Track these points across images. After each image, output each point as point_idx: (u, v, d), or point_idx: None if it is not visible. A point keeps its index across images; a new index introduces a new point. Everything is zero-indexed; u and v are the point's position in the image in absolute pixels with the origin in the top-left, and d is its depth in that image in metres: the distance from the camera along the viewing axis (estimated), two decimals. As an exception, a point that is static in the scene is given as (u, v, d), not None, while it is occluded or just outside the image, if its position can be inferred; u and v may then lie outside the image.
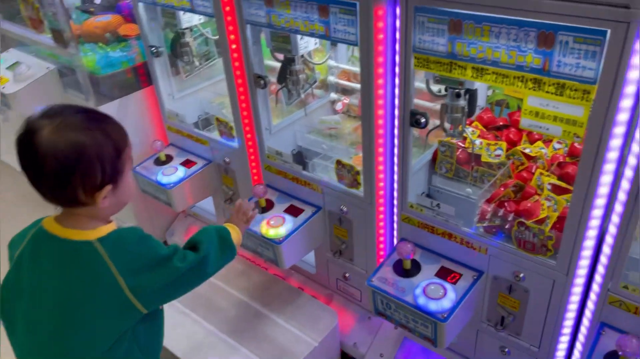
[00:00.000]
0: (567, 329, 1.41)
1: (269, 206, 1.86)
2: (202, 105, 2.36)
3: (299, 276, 2.14)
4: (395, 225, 1.67)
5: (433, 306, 1.39)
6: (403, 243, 1.49)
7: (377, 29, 1.33)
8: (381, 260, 1.76)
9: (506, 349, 1.58)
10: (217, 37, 2.17)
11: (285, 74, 1.75)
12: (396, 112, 1.44)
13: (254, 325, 1.82)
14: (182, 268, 1.05)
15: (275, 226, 1.74)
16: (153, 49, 2.03)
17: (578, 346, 1.41)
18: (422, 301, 1.41)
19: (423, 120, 1.38)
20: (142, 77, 2.21)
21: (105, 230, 1.03)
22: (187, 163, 2.15)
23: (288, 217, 1.78)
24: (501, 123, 1.77)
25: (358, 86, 2.06)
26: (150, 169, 2.13)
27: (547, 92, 1.13)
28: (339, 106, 2.13)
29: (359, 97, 2.07)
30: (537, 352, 1.51)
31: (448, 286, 1.45)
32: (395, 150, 1.51)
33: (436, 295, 1.42)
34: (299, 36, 1.61)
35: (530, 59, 1.11)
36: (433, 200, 1.51)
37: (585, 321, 1.35)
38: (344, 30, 1.39)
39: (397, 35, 1.32)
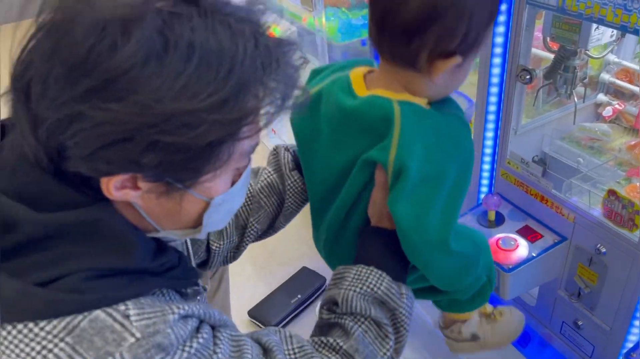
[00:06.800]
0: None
1: (498, 221, 1.59)
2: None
3: (508, 301, 1.84)
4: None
5: None
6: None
7: None
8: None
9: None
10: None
11: (558, 69, 1.42)
12: None
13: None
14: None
15: (506, 249, 1.47)
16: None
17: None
18: None
19: None
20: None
21: (415, 99, 0.84)
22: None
23: (522, 241, 1.49)
24: None
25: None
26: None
27: None
28: (607, 112, 1.71)
29: (642, 106, 1.65)
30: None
31: None
32: None
33: None
34: (594, 26, 1.26)
35: None
36: None
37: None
38: (682, 27, 1.01)
39: None
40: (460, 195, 0.86)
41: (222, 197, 0.66)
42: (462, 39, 0.77)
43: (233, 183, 0.67)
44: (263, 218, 1.08)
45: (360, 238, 0.91)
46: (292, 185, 1.07)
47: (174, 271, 0.67)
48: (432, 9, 0.75)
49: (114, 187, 0.57)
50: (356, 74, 0.88)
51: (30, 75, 0.53)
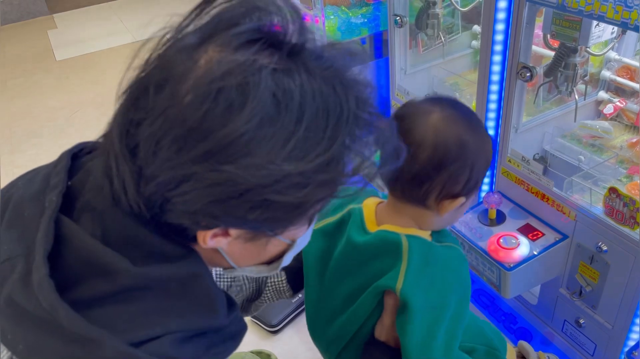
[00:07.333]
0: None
1: (499, 219, 1.58)
2: (432, 83, 2.12)
3: (509, 300, 1.84)
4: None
5: None
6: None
7: None
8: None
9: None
10: (466, 9, 1.91)
11: (559, 67, 1.41)
12: None
13: None
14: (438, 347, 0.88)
15: (507, 248, 1.46)
16: (397, 18, 1.83)
17: None
18: None
19: None
20: (376, 47, 2.06)
21: (420, 233, 0.93)
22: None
23: (523, 239, 1.49)
24: None
25: (644, 88, 1.62)
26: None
27: None
28: (608, 109, 1.70)
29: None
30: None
31: None
32: None
33: None
34: (594, 23, 1.25)
35: None
36: None
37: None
38: (683, 23, 1.00)
39: None
40: (460, 322, 0.92)
41: (302, 238, 0.68)
42: (464, 184, 0.87)
43: (309, 222, 0.68)
44: (239, 299, 1.13)
45: (367, 349, 0.98)
46: (275, 281, 1.14)
47: (234, 325, 0.67)
48: (438, 161, 0.84)
49: (209, 237, 0.57)
50: (369, 208, 0.97)
51: (142, 134, 0.52)
